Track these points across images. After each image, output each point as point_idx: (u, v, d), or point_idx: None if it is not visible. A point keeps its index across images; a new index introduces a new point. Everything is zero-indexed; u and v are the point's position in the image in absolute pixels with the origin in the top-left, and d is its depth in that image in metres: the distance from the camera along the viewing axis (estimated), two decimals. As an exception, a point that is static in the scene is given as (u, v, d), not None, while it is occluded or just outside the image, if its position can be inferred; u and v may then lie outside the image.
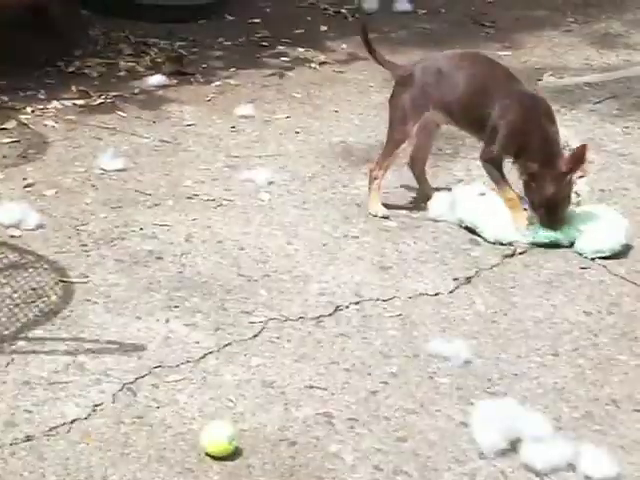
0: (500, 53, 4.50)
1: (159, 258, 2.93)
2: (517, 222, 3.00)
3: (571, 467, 2.18)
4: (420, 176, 3.27)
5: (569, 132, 3.72)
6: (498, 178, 3.04)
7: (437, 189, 3.33)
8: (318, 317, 2.69)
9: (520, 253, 3.00)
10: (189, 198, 3.29)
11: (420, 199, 3.26)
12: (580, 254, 2.99)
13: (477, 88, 3.06)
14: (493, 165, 3.05)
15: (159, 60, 4.31)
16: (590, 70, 4.33)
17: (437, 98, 3.08)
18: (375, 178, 3.16)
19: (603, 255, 2.95)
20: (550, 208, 2.97)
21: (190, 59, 4.38)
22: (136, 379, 2.41)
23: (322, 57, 4.45)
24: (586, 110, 3.93)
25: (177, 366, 2.47)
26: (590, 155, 3.55)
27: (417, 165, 3.25)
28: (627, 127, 3.80)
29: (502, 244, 3.01)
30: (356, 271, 2.90)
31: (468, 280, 2.87)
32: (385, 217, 3.12)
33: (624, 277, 2.90)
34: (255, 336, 2.60)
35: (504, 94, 3.03)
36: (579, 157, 2.96)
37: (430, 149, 3.26)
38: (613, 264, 2.95)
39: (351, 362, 2.52)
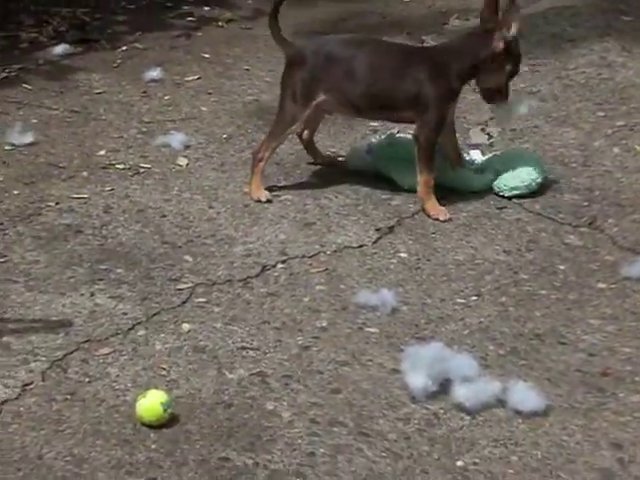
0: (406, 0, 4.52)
1: (78, 232, 2.90)
2: (428, 209, 2.93)
3: (501, 403, 2.25)
4: (309, 147, 3.18)
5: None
6: (429, 159, 2.91)
7: (354, 140, 3.36)
8: (245, 279, 2.70)
9: (438, 199, 3.04)
10: (104, 168, 3.24)
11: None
12: (498, 194, 3.05)
13: (387, 69, 2.95)
14: (432, 142, 2.91)
15: (62, 29, 4.21)
16: (495, 10, 4.37)
17: (332, 84, 2.94)
18: (260, 160, 3.01)
19: (520, 193, 3.02)
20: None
21: (94, 25, 4.29)
22: (65, 355, 2.40)
23: (228, 14, 4.40)
24: (493, 51, 3.97)
25: (106, 339, 2.46)
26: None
27: (305, 137, 3.16)
28: (533, 65, 3.86)
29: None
30: (280, 230, 2.91)
31: (390, 230, 2.91)
32: (269, 201, 3.00)
33: (540, 213, 2.97)
34: (183, 303, 2.60)
35: (417, 64, 2.93)
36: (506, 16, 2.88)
37: (319, 123, 3.15)
38: (529, 202, 3.02)
39: (281, 320, 2.54)
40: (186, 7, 4.47)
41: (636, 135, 3.37)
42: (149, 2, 4.52)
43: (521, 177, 3.01)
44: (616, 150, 3.29)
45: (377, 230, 2.91)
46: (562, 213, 2.97)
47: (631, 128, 3.42)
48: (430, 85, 2.90)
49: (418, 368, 2.28)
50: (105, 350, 2.42)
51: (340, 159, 3.26)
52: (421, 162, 2.93)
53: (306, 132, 3.16)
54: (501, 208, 3.01)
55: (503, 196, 3.04)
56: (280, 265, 2.76)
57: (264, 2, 4.55)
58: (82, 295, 2.62)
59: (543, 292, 2.64)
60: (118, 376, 2.34)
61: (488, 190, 3.06)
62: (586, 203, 3.02)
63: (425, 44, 4.01)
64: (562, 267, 2.73)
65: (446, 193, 3.05)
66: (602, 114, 3.51)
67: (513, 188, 3.02)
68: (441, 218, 2.92)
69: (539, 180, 3.03)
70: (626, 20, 4.21)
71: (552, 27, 4.16)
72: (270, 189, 3.10)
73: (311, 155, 3.21)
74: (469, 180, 3.06)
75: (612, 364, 2.38)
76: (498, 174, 3.04)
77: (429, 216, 2.94)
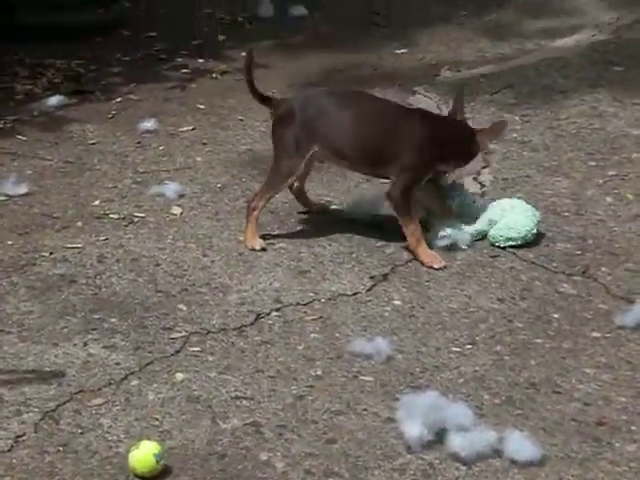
0: (397, 52, 4.57)
1: (72, 281, 2.89)
2: (421, 258, 2.95)
3: (497, 453, 2.24)
4: (300, 196, 3.20)
5: (470, 123, 3.82)
6: (407, 212, 2.95)
7: (347, 189, 3.38)
8: (240, 327, 2.69)
9: (432, 247, 3.05)
10: (99, 218, 3.25)
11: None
12: (493, 244, 3.06)
13: (374, 126, 2.98)
14: (405, 199, 2.95)
15: (57, 80, 4.25)
16: (485, 61, 4.43)
17: (323, 137, 2.98)
18: (254, 209, 3.02)
19: (515, 244, 3.03)
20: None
21: (89, 77, 4.33)
22: (57, 406, 2.38)
23: (223, 66, 4.45)
24: (484, 101, 4.02)
25: (99, 389, 2.44)
26: (492, 146, 3.65)
27: (296, 187, 3.17)
28: (525, 115, 3.90)
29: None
30: (274, 278, 2.91)
31: (384, 277, 2.91)
32: (263, 249, 3.01)
33: (533, 262, 2.98)
34: (177, 352, 2.59)
35: (402, 123, 2.99)
36: (495, 129, 3.04)
37: (308, 173, 3.16)
38: (522, 250, 3.03)
39: (276, 369, 2.53)
40: (180, 59, 4.52)
41: (628, 184, 3.39)
42: (143, 54, 4.57)
43: (517, 228, 3.02)
44: (608, 199, 3.32)
45: (371, 278, 2.91)
46: (555, 262, 2.98)
47: (623, 177, 3.44)
48: (412, 151, 2.94)
49: (413, 417, 2.27)
50: (98, 401, 2.41)
51: (333, 207, 3.27)
52: (400, 216, 2.95)
53: (296, 182, 3.17)
54: (494, 256, 3.01)
55: (498, 246, 3.05)
56: (274, 313, 2.75)
57: (258, 55, 4.60)
58: (75, 345, 2.61)
59: (538, 341, 2.64)
60: (111, 427, 2.32)
61: (481, 239, 3.08)
62: (579, 252, 3.03)
63: (417, 95, 4.05)
64: (556, 316, 2.73)
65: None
66: (594, 164, 3.54)
67: (509, 239, 3.03)
68: (435, 266, 2.93)
69: (534, 231, 3.04)
70: (616, 71, 4.27)
71: (543, 78, 4.22)
72: (264, 237, 3.11)
73: (302, 204, 3.23)
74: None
75: (607, 413, 2.37)
76: (492, 224, 3.06)
77: (423, 264, 2.95)
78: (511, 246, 3.03)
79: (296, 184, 3.18)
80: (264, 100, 3.09)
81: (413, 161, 2.95)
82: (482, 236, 3.07)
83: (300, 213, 3.24)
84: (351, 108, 3.01)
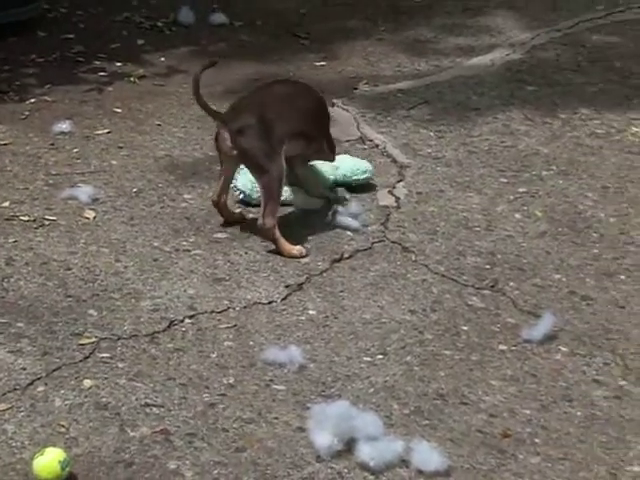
0: (317, 64, 4.60)
1: (-20, 284, 2.82)
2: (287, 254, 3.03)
3: (404, 463, 2.27)
4: (220, 205, 3.17)
5: (385, 138, 3.88)
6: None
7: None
8: (152, 333, 2.67)
9: (347, 257, 3.08)
10: (8, 220, 3.18)
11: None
12: (345, 182, 3.40)
13: (315, 112, 3.24)
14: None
15: (-32, 79, 4.15)
16: (402, 77, 4.49)
17: (288, 126, 3.06)
18: (273, 227, 3.01)
19: (371, 175, 3.44)
20: None
21: (2, 77, 4.23)
22: (-39, 412, 2.32)
23: (141, 71, 4.40)
24: (401, 116, 4.08)
25: (3, 395, 2.39)
26: (407, 160, 3.71)
27: (216, 197, 3.16)
28: (439, 131, 3.97)
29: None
30: (189, 285, 2.90)
31: (299, 286, 2.92)
32: (305, 256, 3.02)
33: (444, 275, 3.03)
34: (86, 358, 2.55)
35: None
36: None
37: (229, 182, 3.18)
38: (433, 263, 3.08)
39: (187, 377, 2.51)
40: (97, 62, 4.46)
41: (537, 201, 3.49)
42: (59, 56, 4.50)
43: (362, 166, 3.44)
44: (518, 216, 3.40)
45: (286, 287, 2.92)
46: (465, 275, 3.04)
47: (532, 195, 3.53)
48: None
49: (324, 426, 2.28)
50: (2, 406, 2.35)
51: (250, 216, 3.27)
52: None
53: (223, 196, 3.16)
54: (408, 269, 3.06)
55: (356, 181, 3.39)
56: (188, 320, 2.73)
57: (176, 59, 4.59)
58: (-20, 349, 2.55)
59: (447, 352, 2.68)
60: (15, 433, 2.28)
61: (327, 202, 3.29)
62: (488, 266, 3.10)
63: (335, 107, 4.10)
64: (465, 328, 2.79)
65: (352, 250, 3.10)
66: (505, 180, 3.63)
67: (364, 172, 3.42)
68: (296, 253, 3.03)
69: (372, 169, 3.46)
70: (529, 90, 4.38)
71: (457, 95, 4.30)
72: (179, 244, 3.09)
73: (221, 213, 3.22)
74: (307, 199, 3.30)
75: (512, 425, 2.42)
76: (333, 174, 3.38)
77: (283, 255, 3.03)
78: (368, 179, 3.43)
79: (217, 194, 3.16)
80: (216, 116, 3.08)
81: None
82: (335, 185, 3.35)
83: (219, 219, 3.23)
84: (298, 92, 3.20)
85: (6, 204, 3.27)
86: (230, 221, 3.22)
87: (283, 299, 2.86)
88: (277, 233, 3.03)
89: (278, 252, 3.04)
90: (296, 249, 3.05)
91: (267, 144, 3.00)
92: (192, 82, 3.07)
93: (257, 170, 3.03)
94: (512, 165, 3.73)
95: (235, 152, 3.03)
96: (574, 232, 3.29)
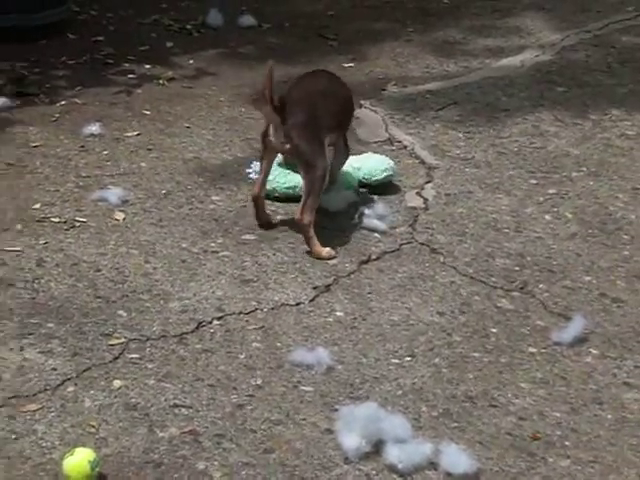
0: (345, 65, 4.60)
1: (10, 285, 2.85)
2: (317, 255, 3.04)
3: (433, 465, 2.26)
4: (260, 202, 3.18)
5: (414, 139, 3.87)
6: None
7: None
8: (181, 334, 2.68)
9: (375, 259, 3.08)
10: (39, 221, 3.21)
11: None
12: (366, 183, 3.39)
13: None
14: None
15: (0, 82, 4.19)
16: (431, 78, 4.48)
17: (330, 124, 3.10)
18: (310, 224, 3.01)
19: (392, 174, 3.42)
20: None
21: (33, 79, 4.27)
22: (-8, 412, 2.34)
23: (170, 73, 4.42)
24: (429, 117, 4.07)
25: (34, 395, 2.41)
26: (436, 161, 3.70)
27: (261, 199, 3.19)
28: (468, 132, 3.95)
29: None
30: (217, 286, 2.90)
31: (327, 288, 2.92)
32: (334, 257, 3.02)
33: (473, 277, 3.02)
34: (116, 359, 2.56)
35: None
36: None
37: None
38: (462, 265, 3.07)
39: (216, 377, 2.52)
40: (127, 65, 4.49)
41: (567, 203, 3.46)
42: (89, 58, 4.53)
43: (383, 164, 3.41)
44: (547, 217, 3.38)
45: (314, 288, 2.92)
46: (494, 277, 3.02)
47: (562, 196, 3.51)
48: None
49: (352, 428, 2.28)
50: (33, 406, 2.37)
51: (279, 217, 3.28)
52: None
53: (258, 186, 3.16)
54: (436, 270, 3.05)
55: (370, 185, 3.37)
56: (216, 321, 2.74)
57: (205, 62, 4.60)
58: (11, 349, 2.57)
59: (475, 354, 2.67)
60: (45, 433, 2.29)
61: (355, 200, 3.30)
62: (518, 268, 3.08)
63: (363, 108, 4.09)
64: (494, 330, 2.77)
65: (379, 251, 3.09)
66: (534, 182, 3.61)
67: (384, 170, 3.38)
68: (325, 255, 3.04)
69: (392, 170, 3.43)
70: (559, 91, 4.35)
71: (487, 96, 4.28)
72: (208, 245, 3.10)
73: (257, 209, 3.17)
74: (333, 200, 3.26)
75: (542, 428, 2.41)
76: (356, 175, 3.36)
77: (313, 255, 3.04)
78: (389, 177, 3.40)
79: (263, 193, 3.18)
80: (271, 112, 3.04)
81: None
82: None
83: (247, 221, 3.23)
84: (337, 86, 3.23)
85: (37, 206, 3.30)
86: (262, 220, 3.20)
87: (311, 300, 2.86)
88: (312, 231, 3.03)
89: (308, 250, 3.04)
90: (325, 251, 3.04)
91: (317, 140, 3.03)
92: (266, 74, 3.02)
93: (306, 165, 3.03)
94: (542, 166, 3.71)
95: (287, 147, 3.04)
96: (604, 234, 3.27)
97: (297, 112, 3.02)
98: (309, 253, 3.04)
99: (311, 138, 3.01)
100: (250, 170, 3.41)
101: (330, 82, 3.25)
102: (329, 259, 3.03)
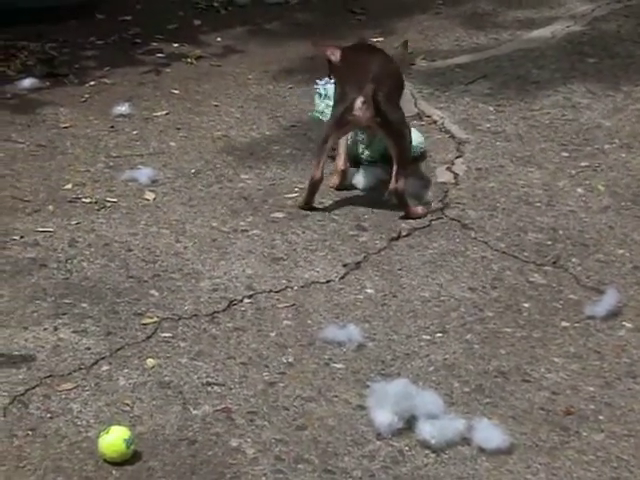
0: (373, 39, 4.56)
1: (43, 265, 2.87)
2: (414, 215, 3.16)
3: (466, 441, 2.26)
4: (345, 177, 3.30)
5: (444, 113, 3.84)
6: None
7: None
8: (212, 313, 2.69)
9: (405, 235, 3.07)
10: (70, 202, 3.23)
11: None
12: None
13: None
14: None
15: (30, 63, 4.21)
16: (460, 51, 4.43)
17: (397, 93, 3.20)
18: (404, 191, 3.11)
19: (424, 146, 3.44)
20: None
21: (62, 60, 4.29)
22: (27, 391, 2.37)
23: (198, 51, 4.42)
24: (459, 91, 4.03)
25: (69, 374, 2.43)
26: (466, 136, 3.67)
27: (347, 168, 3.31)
28: (499, 105, 3.91)
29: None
30: (247, 264, 2.91)
31: (357, 265, 2.92)
32: (427, 214, 3.15)
33: (505, 252, 3.00)
34: (148, 337, 2.58)
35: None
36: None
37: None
38: (493, 240, 3.05)
39: (247, 355, 2.53)
40: (155, 44, 4.49)
41: (599, 175, 3.42)
42: (118, 38, 4.53)
43: (414, 140, 3.31)
44: (580, 190, 3.34)
45: (344, 266, 2.91)
46: (526, 252, 3.00)
47: (594, 169, 3.47)
48: None
49: (384, 404, 2.28)
50: (67, 385, 2.40)
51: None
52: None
53: (343, 160, 3.28)
54: (467, 246, 3.03)
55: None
56: (247, 300, 2.75)
57: (233, 40, 4.59)
58: (45, 329, 2.60)
59: (507, 330, 2.65)
60: (80, 412, 2.32)
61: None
62: (550, 242, 3.05)
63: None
64: (526, 305, 2.76)
65: (410, 228, 3.08)
66: (566, 155, 3.57)
67: (414, 146, 3.30)
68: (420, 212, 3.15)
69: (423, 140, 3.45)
70: (590, 62, 4.29)
71: (517, 69, 4.23)
72: (237, 224, 3.11)
73: (341, 181, 3.28)
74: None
75: (575, 403, 2.39)
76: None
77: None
78: (418, 150, 3.38)
79: (347, 166, 3.29)
80: (360, 86, 3.09)
81: None
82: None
83: (273, 200, 3.24)
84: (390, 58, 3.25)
85: (69, 186, 3.32)
86: (310, 205, 3.18)
87: (341, 278, 2.86)
88: (406, 198, 3.13)
89: (405, 215, 3.13)
90: (420, 209, 3.16)
91: (400, 109, 3.15)
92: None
93: (398, 136, 3.12)
94: (574, 139, 3.66)
95: (379, 120, 3.07)
96: (637, 206, 3.23)
97: (384, 86, 3.08)
98: (405, 217, 3.11)
99: (398, 108, 3.12)
100: (317, 86, 3.47)
101: (386, 55, 3.28)
102: (425, 215, 3.13)
